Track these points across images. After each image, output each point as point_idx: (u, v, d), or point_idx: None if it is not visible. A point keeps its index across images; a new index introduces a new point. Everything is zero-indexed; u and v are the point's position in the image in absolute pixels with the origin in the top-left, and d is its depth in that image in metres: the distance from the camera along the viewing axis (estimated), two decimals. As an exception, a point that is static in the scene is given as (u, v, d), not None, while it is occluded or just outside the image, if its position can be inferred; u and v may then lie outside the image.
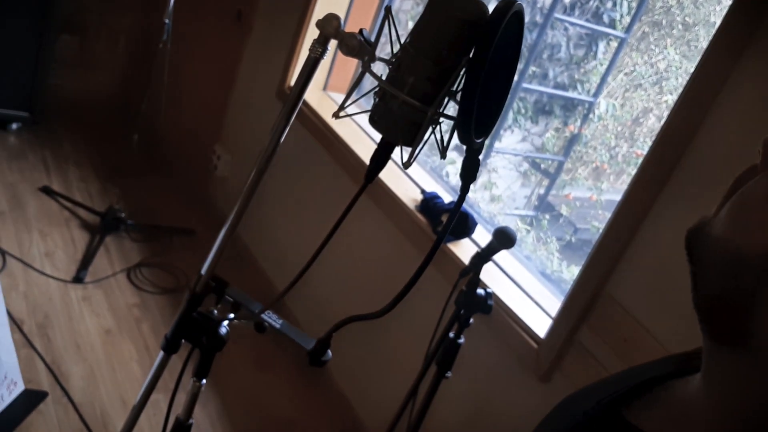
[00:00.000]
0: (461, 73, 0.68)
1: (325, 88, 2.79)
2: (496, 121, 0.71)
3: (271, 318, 0.91)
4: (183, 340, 0.95)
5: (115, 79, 3.62)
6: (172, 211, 3.04)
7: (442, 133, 0.74)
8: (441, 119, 0.72)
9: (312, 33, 2.64)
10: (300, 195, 2.66)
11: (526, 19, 0.69)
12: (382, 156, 0.75)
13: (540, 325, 1.75)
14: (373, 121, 0.72)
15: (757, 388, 0.45)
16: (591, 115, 3.77)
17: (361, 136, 2.51)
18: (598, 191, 4.01)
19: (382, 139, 0.74)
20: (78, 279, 2.44)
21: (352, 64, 2.79)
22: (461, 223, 2.03)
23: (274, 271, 2.76)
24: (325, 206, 2.48)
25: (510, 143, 3.79)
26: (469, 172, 0.70)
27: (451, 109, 0.72)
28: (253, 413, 2.20)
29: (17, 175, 2.91)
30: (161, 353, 0.96)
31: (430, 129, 0.72)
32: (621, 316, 1.51)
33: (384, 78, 0.71)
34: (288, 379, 2.37)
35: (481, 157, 0.72)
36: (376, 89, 0.72)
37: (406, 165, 0.70)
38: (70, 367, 2.09)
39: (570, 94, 3.70)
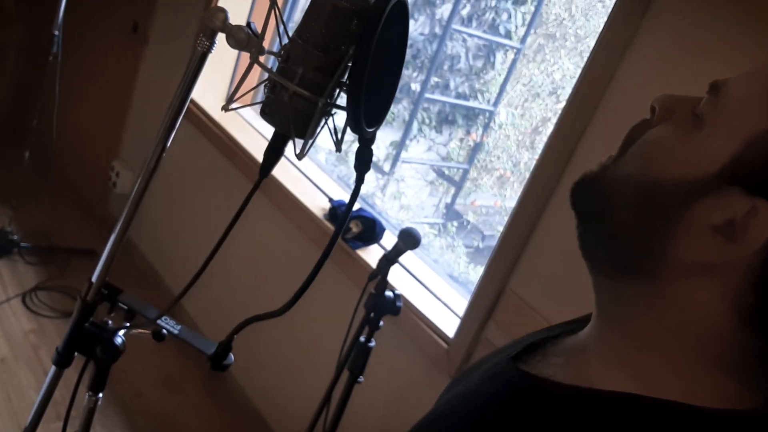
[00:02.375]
0: (349, 62, 0.69)
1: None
2: (388, 110, 0.72)
3: (169, 324, 0.88)
4: (76, 354, 0.90)
5: (4, 95, 3.43)
6: (70, 230, 2.91)
7: (335, 125, 0.74)
8: (333, 110, 0.72)
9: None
10: (196, 198, 2.60)
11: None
12: (275, 149, 0.74)
13: (449, 325, 1.78)
14: (265, 114, 0.71)
15: (659, 307, 0.49)
16: (492, 124, 3.88)
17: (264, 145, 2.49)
18: (503, 198, 4.13)
19: (275, 132, 0.73)
20: (-34, 306, 2.29)
21: (255, 76, 2.76)
22: (369, 229, 2.05)
23: (175, 279, 2.68)
24: (223, 208, 2.44)
25: (416, 153, 3.84)
26: (363, 161, 0.71)
27: (343, 99, 0.73)
28: (164, 436, 2.12)
29: None
30: (53, 368, 0.91)
31: (322, 120, 0.72)
32: (524, 311, 1.56)
33: (274, 70, 0.70)
34: (200, 399, 2.30)
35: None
36: (266, 82, 0.72)
37: (299, 156, 0.70)
38: (-41, 400, 1.95)
39: (471, 103, 3.80)
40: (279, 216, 2.21)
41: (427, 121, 3.68)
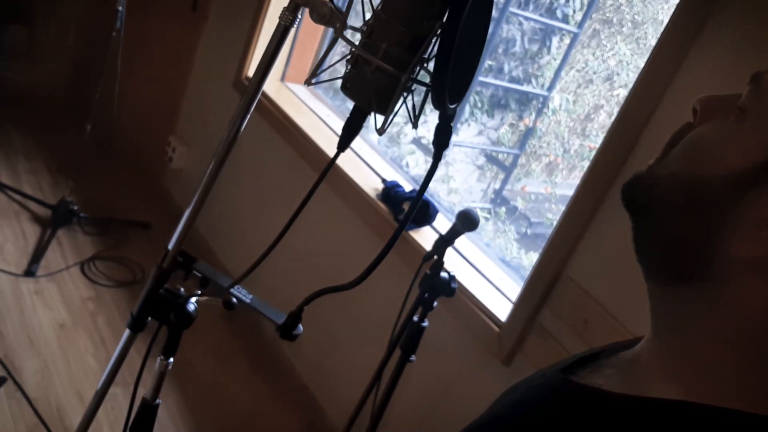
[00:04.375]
0: (434, 38, 0.69)
1: (283, 78, 2.77)
2: (468, 88, 0.72)
3: (241, 293, 0.90)
4: (149, 318, 0.93)
5: (66, 70, 3.52)
6: (127, 203, 2.98)
7: (414, 102, 0.75)
8: (413, 86, 0.72)
9: (269, 23, 2.62)
10: (257, 185, 2.63)
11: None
12: (354, 124, 0.75)
13: (501, 309, 1.77)
14: (346, 89, 0.72)
15: (712, 312, 0.47)
16: (545, 109, 3.83)
17: (320, 126, 2.51)
18: (552, 185, 4.08)
19: (354, 106, 0.74)
20: (30, 273, 2.37)
21: (309, 56, 2.78)
22: (423, 210, 2.05)
23: (232, 263, 2.73)
24: (283, 195, 2.47)
25: (467, 137, 3.82)
26: (442, 138, 0.71)
27: (424, 76, 0.73)
28: (214, 406, 2.17)
29: (-37, 168, 2.81)
30: (126, 332, 0.94)
31: (402, 96, 0.72)
32: (581, 297, 1.54)
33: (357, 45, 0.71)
34: (249, 372, 2.35)
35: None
36: (348, 56, 0.72)
37: (380, 132, 0.70)
38: (23, 362, 2.03)
39: (525, 88, 3.76)
40: (332, 196, 2.23)
41: (479, 104, 3.65)
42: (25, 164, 3.01)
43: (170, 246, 0.90)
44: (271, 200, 2.56)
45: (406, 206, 2.07)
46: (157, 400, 0.97)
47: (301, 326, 0.90)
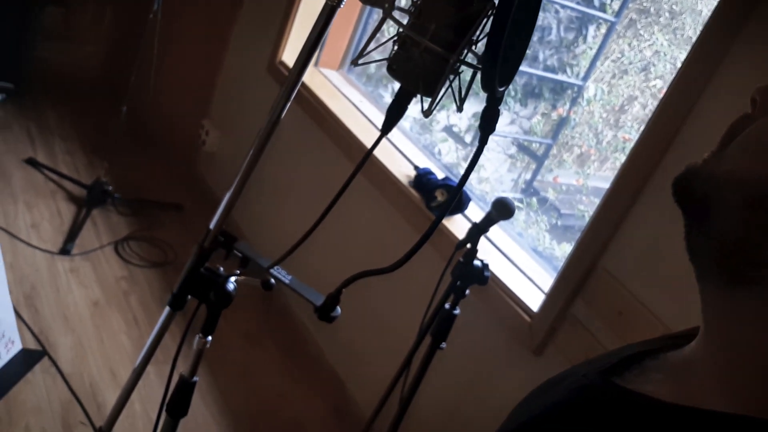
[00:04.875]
0: (484, 20, 0.68)
1: (316, 63, 2.77)
2: (517, 70, 0.71)
3: (280, 273, 0.90)
4: (189, 297, 0.94)
5: (102, 52, 3.56)
6: (160, 185, 3.02)
7: (461, 84, 0.74)
8: (461, 68, 0.71)
9: (304, 7, 2.61)
10: (289, 169, 2.64)
11: None
12: (399, 106, 0.74)
13: (533, 299, 1.76)
14: (392, 70, 0.71)
15: None
16: (580, 99, 3.78)
17: (353, 111, 2.51)
18: (585, 176, 4.03)
19: (400, 88, 0.73)
20: (65, 251, 2.41)
21: (343, 41, 2.77)
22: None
23: (261, 245, 2.74)
24: (315, 179, 2.47)
25: (499, 126, 3.78)
26: (489, 121, 0.70)
27: (472, 58, 0.72)
28: (244, 387, 2.19)
29: (2, 146, 2.86)
30: (166, 309, 0.95)
31: (450, 78, 0.72)
32: (616, 289, 1.52)
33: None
34: (278, 355, 2.37)
35: (469, 140, 0.71)
36: (395, 37, 0.72)
37: (426, 114, 0.70)
38: (57, 338, 2.06)
39: (559, 77, 3.71)
40: (364, 182, 2.22)
41: (512, 93, 3.61)
42: (62, 145, 3.06)
43: (211, 225, 0.90)
44: (302, 184, 2.56)
45: (438, 193, 2.06)
46: (195, 378, 0.98)
47: (339, 308, 0.90)
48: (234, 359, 2.27)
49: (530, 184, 3.85)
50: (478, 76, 0.75)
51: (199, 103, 3.09)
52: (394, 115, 0.75)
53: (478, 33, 0.69)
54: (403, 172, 2.19)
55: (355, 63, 0.71)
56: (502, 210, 1.43)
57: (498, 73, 0.64)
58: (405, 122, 2.69)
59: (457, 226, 2.00)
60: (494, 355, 1.82)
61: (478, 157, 0.72)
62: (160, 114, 3.26)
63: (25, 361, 1.34)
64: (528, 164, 3.96)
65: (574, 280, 1.61)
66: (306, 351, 2.41)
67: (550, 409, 0.53)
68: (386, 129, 0.76)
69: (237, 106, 2.96)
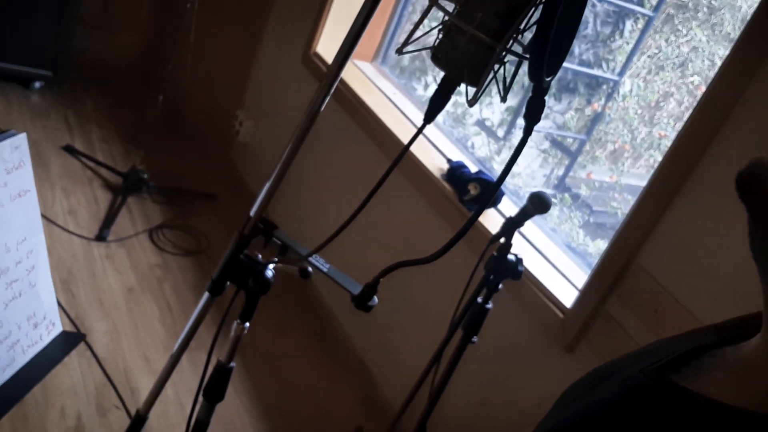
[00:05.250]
0: (532, 9, 0.67)
1: (351, 55, 2.76)
2: (563, 60, 0.70)
3: (319, 262, 0.91)
4: (228, 283, 0.95)
5: (139, 41, 3.60)
6: (194, 174, 3.05)
7: (505, 74, 0.73)
8: (506, 58, 0.70)
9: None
10: (321, 161, 2.65)
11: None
12: (442, 95, 0.74)
13: (566, 295, 1.74)
14: (437, 59, 0.71)
15: None
16: (615, 95, 3.73)
17: (386, 104, 2.50)
18: (619, 173, 3.98)
19: (444, 77, 0.73)
20: (101, 237, 2.45)
21: (378, 32, 2.77)
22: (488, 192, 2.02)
23: (287, 226, 2.75)
24: (346, 170, 2.48)
25: (532, 120, 3.75)
26: (534, 112, 0.69)
27: (516, 48, 0.71)
28: (274, 376, 2.21)
29: (40, 133, 2.91)
30: (206, 295, 0.96)
31: (495, 68, 0.71)
32: (652, 287, 1.50)
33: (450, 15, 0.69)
34: (308, 345, 2.38)
35: (502, 133, 0.70)
36: (440, 26, 0.71)
37: (471, 103, 0.69)
38: (93, 323, 2.10)
39: (595, 71, 3.66)
40: (397, 174, 2.21)
41: (551, 89, 3.57)
42: (98, 132, 3.10)
43: (251, 213, 0.91)
44: (334, 175, 2.57)
45: (471, 187, 2.05)
46: (232, 363, 0.99)
47: (375, 298, 0.90)
48: (264, 347, 2.29)
49: (562, 180, 3.81)
50: (522, 66, 0.74)
51: (234, 94, 3.12)
52: (437, 104, 0.75)
53: (525, 22, 0.68)
54: (436, 165, 2.18)
55: (399, 51, 0.71)
56: (538, 204, 1.42)
57: (546, 63, 0.64)
58: (438, 115, 2.67)
59: (490, 220, 1.99)
60: (525, 351, 1.81)
61: (522, 148, 0.72)
62: (195, 103, 3.29)
63: (65, 343, 1.37)
64: (561, 160, 3.92)
65: (609, 277, 1.59)
66: (335, 341, 2.42)
67: (604, 407, 0.51)
68: (429, 118, 0.75)
69: (270, 96, 2.98)
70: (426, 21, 0.74)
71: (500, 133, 3.55)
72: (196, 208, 2.84)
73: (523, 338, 1.81)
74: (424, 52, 0.74)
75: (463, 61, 0.68)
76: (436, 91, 0.74)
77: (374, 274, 1.02)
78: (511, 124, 3.50)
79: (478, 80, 0.69)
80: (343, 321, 2.44)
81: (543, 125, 3.90)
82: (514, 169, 2.71)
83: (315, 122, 0.95)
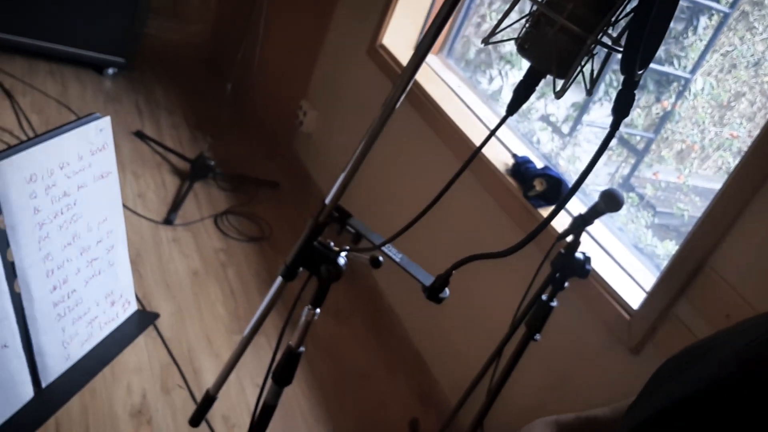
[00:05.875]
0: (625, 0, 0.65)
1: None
2: (655, 54, 0.68)
3: (391, 251, 0.91)
4: (301, 269, 0.96)
5: (209, 30, 3.68)
6: (258, 162, 3.10)
7: (593, 66, 0.71)
8: (596, 49, 0.69)
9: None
10: (386, 151, 2.65)
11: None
12: (527, 86, 0.72)
13: (633, 296, 1.71)
14: (523, 49, 0.70)
15: None
16: (686, 93, 3.62)
17: (450, 96, 2.49)
18: (687, 173, 3.86)
19: (530, 68, 0.72)
20: (168, 221, 2.52)
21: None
22: (554, 189, 2.00)
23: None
24: (410, 162, 2.47)
25: (599, 117, 3.67)
26: (624, 105, 0.68)
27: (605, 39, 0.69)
28: (331, 363, 2.23)
29: (112, 118, 2.99)
30: (278, 279, 0.97)
31: (583, 60, 0.69)
32: (724, 291, 1.46)
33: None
34: (365, 335, 2.40)
35: (567, 130, 0.69)
36: (527, 16, 0.70)
37: (558, 95, 0.68)
38: (159, 304, 2.16)
39: (666, 68, 3.56)
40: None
41: (615, 84, 3.49)
42: (167, 119, 3.18)
43: (327, 200, 0.92)
44: (396, 166, 2.57)
45: (536, 183, 2.02)
46: (301, 348, 1.00)
47: (447, 290, 0.90)
48: (323, 335, 2.31)
49: (627, 180, 3.72)
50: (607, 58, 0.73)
51: (298, 84, 3.15)
52: (521, 95, 0.74)
53: (618, 13, 0.66)
54: (501, 160, 2.16)
55: (485, 42, 0.70)
56: (610, 201, 1.39)
57: (640, 55, 0.62)
58: (503, 108, 2.65)
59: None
60: (588, 351, 1.78)
61: (609, 141, 0.70)
62: (261, 92, 3.34)
63: (140, 322, 1.42)
64: (626, 158, 3.83)
65: (680, 279, 1.55)
66: (391, 331, 2.43)
67: (721, 381, 0.51)
68: (512, 110, 0.75)
69: (335, 87, 2.99)
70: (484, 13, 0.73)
71: (565, 129, 3.49)
72: (259, 196, 2.88)
73: (586, 338, 1.78)
74: (508, 43, 0.73)
75: (552, 52, 0.67)
76: (521, 82, 0.73)
77: (435, 265, 1.01)
78: (577, 120, 3.44)
79: (566, 72, 0.68)
80: (400, 312, 2.44)
81: (610, 122, 3.81)
82: (578, 166, 2.64)
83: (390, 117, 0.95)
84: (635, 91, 0.68)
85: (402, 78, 0.85)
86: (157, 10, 3.41)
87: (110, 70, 3.29)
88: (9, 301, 1.00)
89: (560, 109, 3.47)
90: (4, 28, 2.98)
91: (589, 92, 0.72)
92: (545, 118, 3.44)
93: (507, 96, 3.20)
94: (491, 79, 3.08)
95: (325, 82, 3.09)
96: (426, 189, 2.38)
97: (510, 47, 2.77)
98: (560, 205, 0.71)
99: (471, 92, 2.59)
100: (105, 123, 1.21)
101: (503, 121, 0.75)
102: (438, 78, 2.60)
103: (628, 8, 0.67)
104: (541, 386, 1.90)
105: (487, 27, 2.97)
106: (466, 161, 0.78)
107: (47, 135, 1.05)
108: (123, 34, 3.19)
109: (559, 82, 0.70)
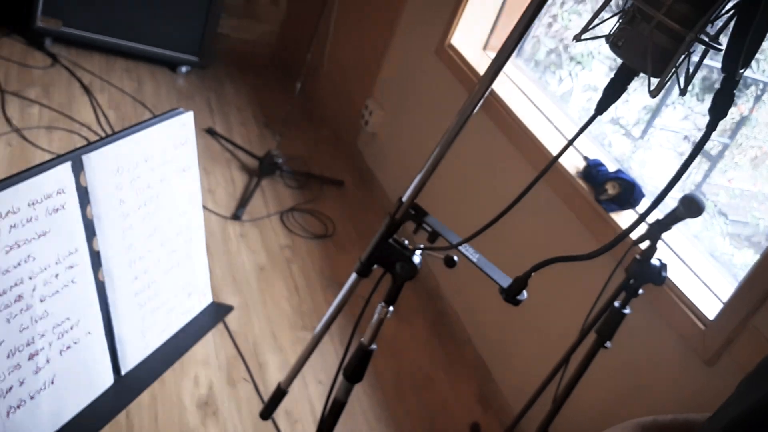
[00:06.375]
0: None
1: (485, 47, 2.73)
2: (756, 52, 0.65)
3: (468, 251, 0.90)
4: (375, 266, 0.96)
5: (278, 30, 3.74)
6: (324, 160, 3.13)
7: (689, 65, 0.69)
8: (694, 48, 0.66)
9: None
10: (457, 157, 2.63)
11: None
12: (618, 85, 0.70)
13: (708, 306, 1.65)
14: (617, 47, 0.68)
15: None
16: (764, 97, 3.47)
17: (518, 96, 2.45)
18: (763, 180, 3.70)
19: (621, 66, 0.70)
20: (236, 216, 2.57)
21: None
22: (627, 192, 1.95)
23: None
24: (475, 161, 2.45)
25: (671, 121, 3.57)
26: (722, 105, 0.65)
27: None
28: (393, 362, 2.23)
29: (185, 116, 3.08)
30: (353, 276, 0.98)
31: (681, 58, 0.67)
32: (810, 304, 1.39)
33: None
34: (427, 336, 2.39)
35: (638, 133, 0.66)
36: (621, 12, 0.68)
37: (653, 94, 0.66)
38: (227, 297, 2.20)
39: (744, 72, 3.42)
40: (531, 170, 2.18)
41: (690, 87, 3.39)
42: (237, 116, 3.24)
43: (404, 198, 0.91)
44: (466, 168, 2.55)
45: (609, 186, 1.97)
46: (373, 345, 1.00)
47: (525, 292, 0.89)
48: (386, 335, 2.31)
49: (700, 186, 3.60)
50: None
51: (365, 83, 3.16)
52: (611, 94, 0.72)
53: (719, 9, 0.64)
54: (572, 162, 2.12)
55: (577, 38, 0.68)
56: (690, 207, 1.34)
57: (744, 53, 0.59)
58: (573, 110, 2.60)
59: (626, 221, 1.91)
60: (660, 361, 1.72)
61: (704, 143, 0.68)
62: (329, 91, 3.37)
63: (215, 313, 1.45)
64: (699, 164, 3.71)
65: (760, 290, 1.49)
66: (453, 334, 2.42)
67: None
68: (601, 109, 0.73)
69: (401, 87, 2.99)
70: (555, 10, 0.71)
71: (635, 132, 3.40)
72: (324, 194, 2.91)
73: (658, 348, 1.73)
74: (599, 41, 0.71)
75: (647, 49, 0.65)
76: (612, 80, 0.71)
77: (503, 267, 0.99)
78: (649, 124, 3.34)
79: (662, 70, 0.66)
80: (462, 315, 2.42)
81: (682, 126, 3.70)
82: (651, 171, 2.57)
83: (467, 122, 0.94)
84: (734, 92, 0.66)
85: (481, 83, 0.84)
86: (229, 10, 3.49)
87: (183, 68, 3.38)
88: (94, 289, 1.04)
89: (631, 111, 3.39)
90: (85, 27, 3.10)
91: (683, 92, 0.70)
92: (615, 121, 3.37)
93: (578, 98, 3.13)
94: (561, 81, 3.03)
95: (391, 81, 3.09)
96: (493, 189, 2.35)
97: (581, 48, 2.71)
98: (652, 207, 0.69)
99: (540, 93, 2.55)
100: (188, 118, 1.23)
101: (592, 119, 0.73)
102: (506, 77, 2.57)
103: (729, 5, 0.64)
104: (609, 395, 1.85)
105: (558, 27, 2.92)
106: (548, 165, 0.76)
107: (132, 129, 1.08)
108: (197, 34, 3.28)
109: (654, 81, 0.68)
